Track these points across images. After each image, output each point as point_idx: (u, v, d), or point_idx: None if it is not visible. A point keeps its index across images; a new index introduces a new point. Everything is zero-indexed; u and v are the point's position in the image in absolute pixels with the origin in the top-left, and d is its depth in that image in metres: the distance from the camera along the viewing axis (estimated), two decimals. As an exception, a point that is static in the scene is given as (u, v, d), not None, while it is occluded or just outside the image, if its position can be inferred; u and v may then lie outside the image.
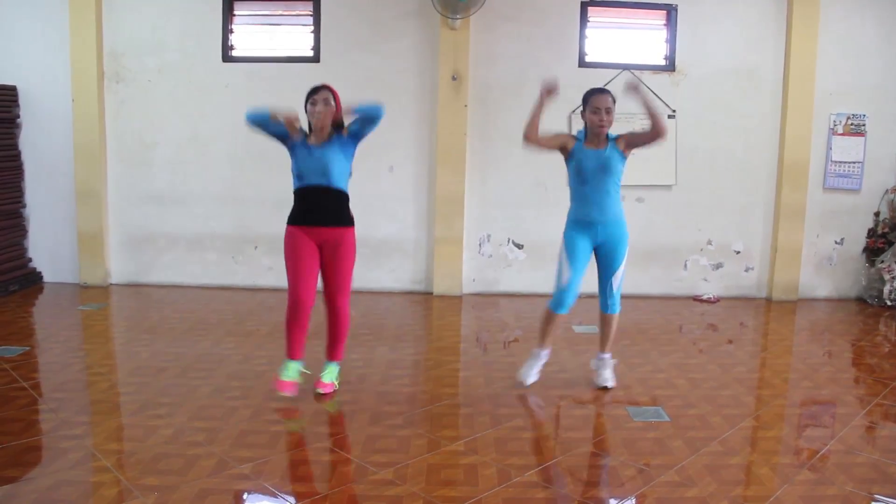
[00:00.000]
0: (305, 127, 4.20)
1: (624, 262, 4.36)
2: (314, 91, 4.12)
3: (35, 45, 6.99)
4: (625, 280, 4.43)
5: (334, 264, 4.19)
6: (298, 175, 4.14)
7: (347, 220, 4.22)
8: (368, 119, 4.12)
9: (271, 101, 6.87)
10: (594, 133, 4.22)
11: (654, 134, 4.14)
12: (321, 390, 4.27)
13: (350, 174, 4.26)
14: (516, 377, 4.51)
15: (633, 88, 4.20)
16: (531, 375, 4.48)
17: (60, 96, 6.99)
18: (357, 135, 4.18)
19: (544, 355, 4.52)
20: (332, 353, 4.40)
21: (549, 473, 3.37)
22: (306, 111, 4.14)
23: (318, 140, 4.14)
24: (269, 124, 4.13)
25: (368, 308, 6.54)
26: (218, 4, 6.99)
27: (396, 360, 5.05)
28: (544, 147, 4.29)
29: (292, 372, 4.22)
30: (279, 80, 6.99)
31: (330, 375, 4.36)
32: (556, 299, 4.33)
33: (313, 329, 4.47)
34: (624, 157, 4.24)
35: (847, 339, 5.90)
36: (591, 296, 5.13)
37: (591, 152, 4.21)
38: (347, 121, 4.22)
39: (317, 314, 4.39)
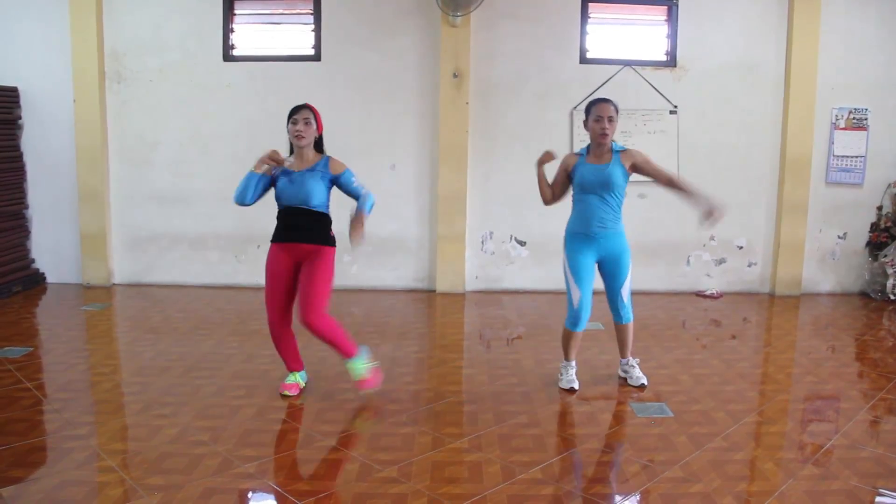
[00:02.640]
0: (287, 149, 4.21)
1: (629, 274, 4.34)
2: (295, 111, 4.08)
3: (36, 46, 7.00)
4: (631, 277, 4.41)
5: (306, 277, 4.04)
6: (278, 200, 4.12)
7: (327, 240, 4.14)
8: (360, 201, 4.09)
9: (272, 99, 6.89)
10: (597, 143, 4.20)
11: (672, 189, 4.26)
12: (363, 390, 4.26)
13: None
14: (561, 386, 4.43)
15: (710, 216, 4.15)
16: (574, 381, 4.44)
17: (62, 97, 7.00)
18: (342, 187, 4.12)
19: (574, 364, 4.50)
20: (341, 355, 4.31)
21: (553, 470, 3.37)
22: (287, 130, 4.11)
23: (301, 164, 4.11)
24: (254, 184, 4.04)
25: (371, 306, 6.55)
26: (218, 4, 7.00)
27: (400, 358, 5.05)
28: (562, 193, 4.37)
29: (294, 378, 4.34)
30: (280, 78, 7.00)
31: (356, 372, 4.27)
32: (572, 319, 4.31)
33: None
34: (627, 174, 4.22)
35: (850, 334, 5.89)
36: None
37: (593, 167, 4.19)
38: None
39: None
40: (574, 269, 4.26)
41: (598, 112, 4.16)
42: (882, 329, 6.04)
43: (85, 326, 5.88)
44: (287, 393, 4.24)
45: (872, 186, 7.19)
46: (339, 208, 4.33)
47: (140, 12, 7.03)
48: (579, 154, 4.30)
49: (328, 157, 4.15)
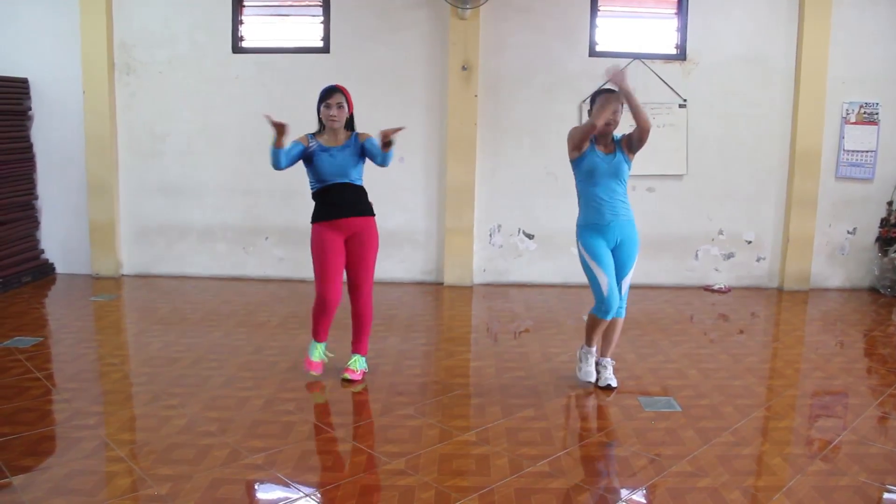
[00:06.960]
0: (315, 127, 4.32)
1: (633, 267, 4.26)
2: (327, 94, 4.17)
3: (46, 37, 7.01)
4: (636, 270, 4.37)
5: (359, 255, 4.30)
6: (320, 179, 4.22)
7: (370, 210, 4.34)
8: (379, 158, 4.14)
9: (281, 91, 6.89)
10: (602, 134, 4.16)
11: (639, 130, 3.99)
12: (349, 376, 4.39)
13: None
14: (579, 377, 4.43)
15: (617, 77, 3.90)
16: (594, 373, 4.40)
17: (71, 88, 7.01)
18: (367, 152, 4.22)
19: (595, 351, 4.43)
20: (357, 345, 4.51)
21: (560, 463, 3.37)
22: (319, 112, 4.22)
23: (335, 142, 4.23)
24: (282, 155, 4.05)
25: (379, 298, 6.49)
26: (227, -5, 7.00)
27: (408, 351, 5.06)
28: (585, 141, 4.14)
29: (319, 352, 4.48)
30: (289, 70, 7.00)
31: (358, 364, 4.47)
32: (603, 307, 4.15)
33: (338, 319, 4.53)
34: (629, 161, 4.18)
35: (859, 329, 5.87)
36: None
37: (604, 155, 4.14)
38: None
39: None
40: (595, 255, 4.14)
41: (602, 104, 4.08)
42: (891, 325, 6.01)
43: (94, 317, 5.91)
44: (314, 373, 4.45)
45: (883, 181, 7.14)
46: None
47: (149, 4, 7.03)
48: (591, 139, 4.19)
49: (356, 133, 4.28)
